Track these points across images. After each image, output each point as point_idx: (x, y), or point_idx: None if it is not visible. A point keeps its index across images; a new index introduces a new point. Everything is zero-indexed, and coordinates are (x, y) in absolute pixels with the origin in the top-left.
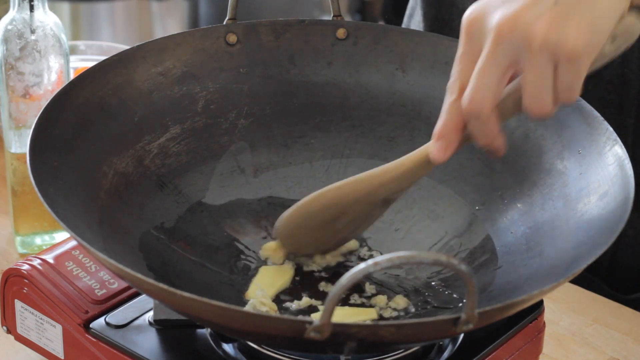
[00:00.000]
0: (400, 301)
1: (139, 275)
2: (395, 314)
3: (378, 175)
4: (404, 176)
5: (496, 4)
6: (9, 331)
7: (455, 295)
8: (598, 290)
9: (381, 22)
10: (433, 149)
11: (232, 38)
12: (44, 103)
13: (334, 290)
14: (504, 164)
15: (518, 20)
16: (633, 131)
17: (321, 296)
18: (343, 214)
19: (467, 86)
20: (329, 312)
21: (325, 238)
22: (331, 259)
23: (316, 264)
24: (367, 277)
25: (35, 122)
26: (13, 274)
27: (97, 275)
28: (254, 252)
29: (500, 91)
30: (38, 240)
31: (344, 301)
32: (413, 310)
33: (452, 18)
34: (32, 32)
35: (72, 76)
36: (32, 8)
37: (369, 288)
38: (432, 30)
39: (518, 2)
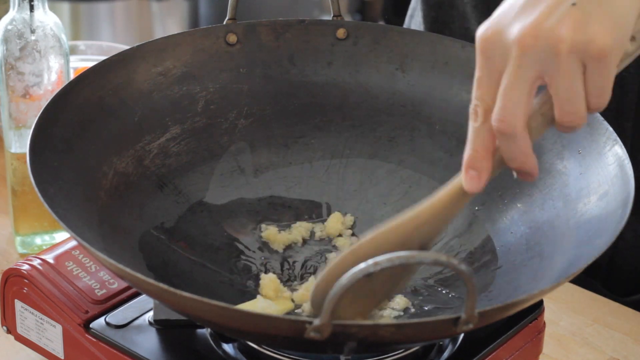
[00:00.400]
0: (400, 301)
1: (139, 275)
2: (395, 314)
3: (411, 220)
4: (440, 216)
5: (510, 17)
6: (9, 331)
7: (455, 295)
8: (595, 292)
9: (381, 22)
10: (466, 180)
11: (232, 38)
12: (44, 103)
13: (334, 290)
14: None
15: (540, 27)
16: (632, 135)
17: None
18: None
19: (495, 106)
20: (329, 312)
21: (365, 299)
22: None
23: None
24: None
25: (35, 122)
26: (13, 274)
27: (97, 275)
28: (254, 252)
29: (530, 106)
30: (38, 240)
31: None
32: (413, 310)
33: (452, 20)
34: (32, 32)
35: (72, 76)
36: (32, 8)
37: None
38: (432, 31)
39: (535, 10)
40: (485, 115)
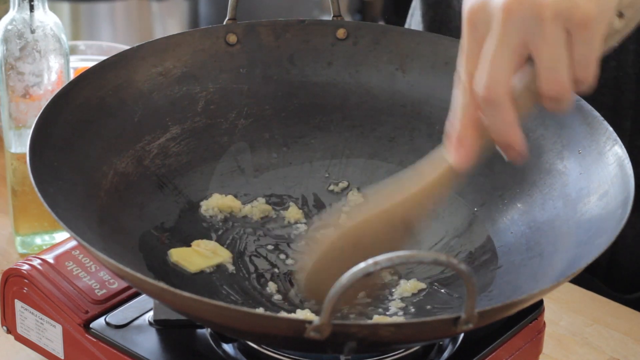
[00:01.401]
0: (400, 301)
1: (139, 275)
2: (395, 313)
3: (399, 205)
4: (429, 197)
5: None
6: (9, 331)
7: (455, 295)
8: (597, 290)
9: (381, 22)
10: (453, 155)
11: (232, 38)
12: (44, 103)
13: (333, 289)
14: (504, 164)
15: None
16: (630, 134)
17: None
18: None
19: (477, 73)
20: (329, 312)
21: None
22: None
23: None
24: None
25: (35, 122)
26: (13, 274)
27: (97, 275)
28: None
29: (513, 73)
30: (38, 240)
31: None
32: (413, 310)
33: (449, 19)
34: (32, 32)
35: (72, 76)
36: (32, 8)
37: None
38: (430, 30)
39: None
40: (469, 83)
